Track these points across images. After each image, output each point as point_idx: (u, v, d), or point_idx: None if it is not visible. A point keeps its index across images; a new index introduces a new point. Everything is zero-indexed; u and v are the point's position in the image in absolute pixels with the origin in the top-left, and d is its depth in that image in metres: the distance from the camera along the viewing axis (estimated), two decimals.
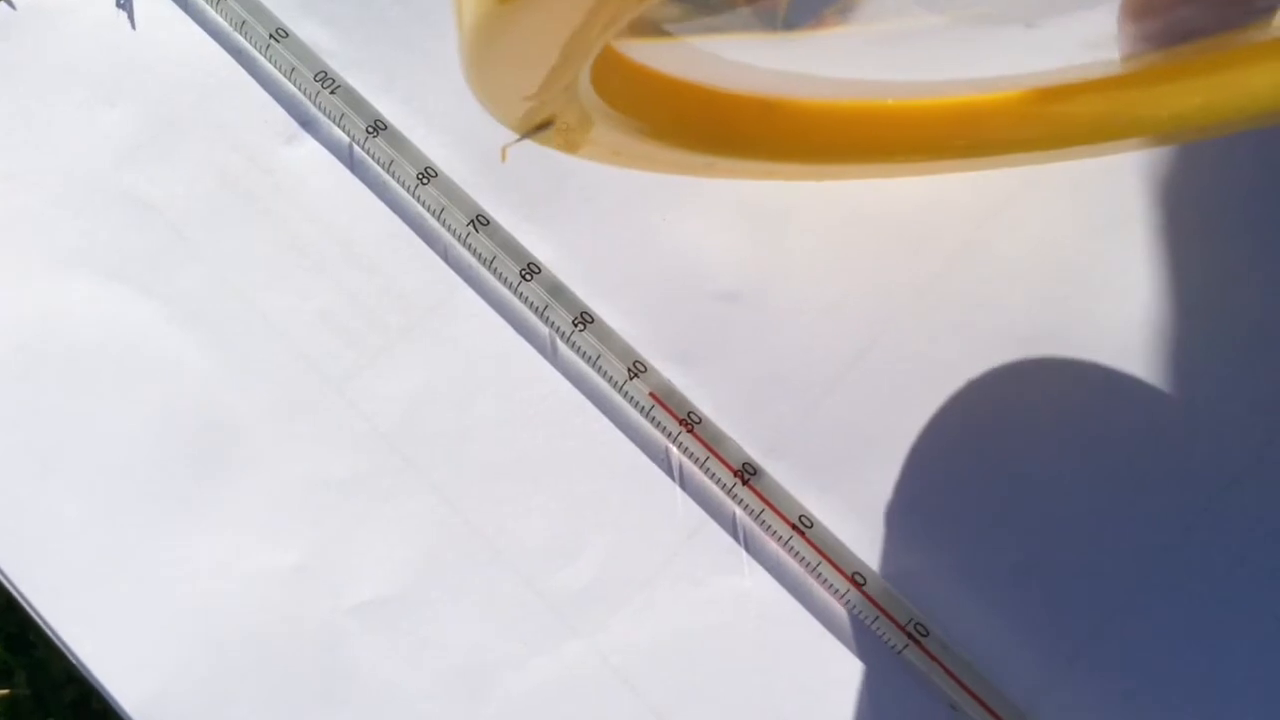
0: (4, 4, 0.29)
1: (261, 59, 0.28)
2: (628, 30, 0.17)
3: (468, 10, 0.15)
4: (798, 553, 0.24)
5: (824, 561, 0.24)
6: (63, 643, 0.24)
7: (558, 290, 0.26)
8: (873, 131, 0.23)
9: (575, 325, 0.26)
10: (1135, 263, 0.26)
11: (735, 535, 0.25)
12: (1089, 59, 0.21)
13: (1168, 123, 0.22)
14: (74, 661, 0.24)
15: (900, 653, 0.23)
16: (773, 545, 0.24)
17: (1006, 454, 0.25)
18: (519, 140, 0.19)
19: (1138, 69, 0.21)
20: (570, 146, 0.21)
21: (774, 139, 0.23)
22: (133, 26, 0.29)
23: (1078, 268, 0.26)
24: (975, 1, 0.21)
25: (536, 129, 0.19)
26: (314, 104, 0.27)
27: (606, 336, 0.26)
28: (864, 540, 0.24)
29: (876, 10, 0.20)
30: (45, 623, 0.24)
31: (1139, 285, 0.26)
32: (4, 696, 0.26)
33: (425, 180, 0.27)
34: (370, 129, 0.27)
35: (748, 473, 0.25)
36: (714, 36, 0.20)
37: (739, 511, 0.25)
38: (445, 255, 0.27)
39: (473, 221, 0.26)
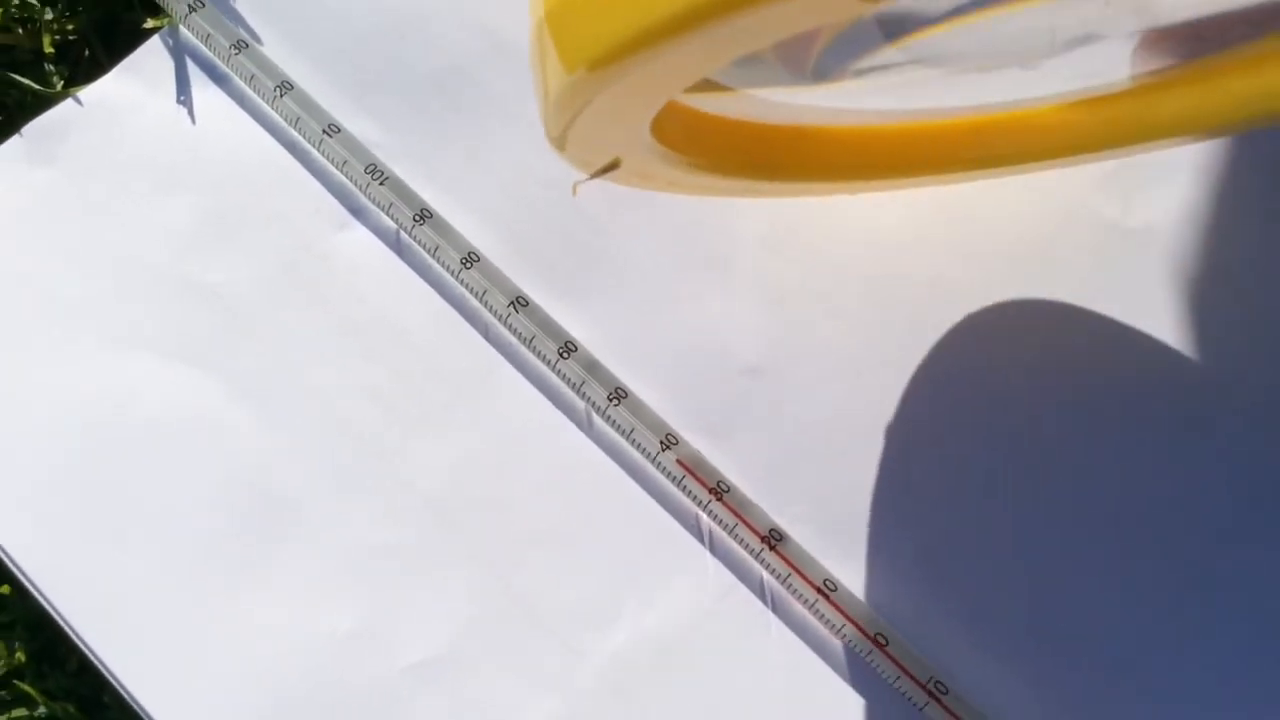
0: (72, 100, 0.31)
1: (315, 152, 0.30)
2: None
3: (553, 76, 0.17)
4: (823, 615, 0.26)
5: (848, 623, 0.25)
6: (137, 703, 0.25)
7: (593, 367, 0.28)
8: (894, 150, 0.25)
9: (610, 400, 0.27)
10: (1155, 327, 0.28)
11: (763, 598, 0.26)
12: (1084, 84, 0.24)
13: (1171, 127, 0.24)
14: None
15: (922, 709, 0.25)
16: (799, 608, 0.26)
17: (1024, 516, 0.26)
18: (588, 179, 0.21)
19: (1139, 84, 0.23)
20: (632, 181, 0.23)
21: (807, 163, 0.25)
22: (193, 121, 0.31)
23: (1094, 333, 0.28)
24: (970, 56, 0.23)
25: (605, 170, 0.21)
26: (364, 194, 0.29)
27: (639, 410, 0.27)
28: (885, 601, 0.26)
29: (884, 66, 0.22)
30: (120, 684, 0.25)
31: (1161, 346, 0.27)
32: None
33: (469, 264, 0.28)
34: (417, 217, 0.29)
35: (774, 539, 0.26)
36: (754, 88, 0.22)
37: (766, 576, 0.26)
38: (486, 334, 0.29)
39: (513, 303, 0.28)
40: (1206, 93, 0.23)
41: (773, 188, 0.26)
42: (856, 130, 0.25)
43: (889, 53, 0.21)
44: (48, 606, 0.26)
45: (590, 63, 0.16)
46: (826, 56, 0.21)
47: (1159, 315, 0.28)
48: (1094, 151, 0.26)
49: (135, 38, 0.32)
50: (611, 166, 0.21)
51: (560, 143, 0.19)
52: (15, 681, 0.27)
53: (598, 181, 0.22)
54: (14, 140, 0.31)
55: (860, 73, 0.22)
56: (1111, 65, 0.23)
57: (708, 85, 0.21)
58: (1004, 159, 0.26)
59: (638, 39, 0.15)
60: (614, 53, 0.15)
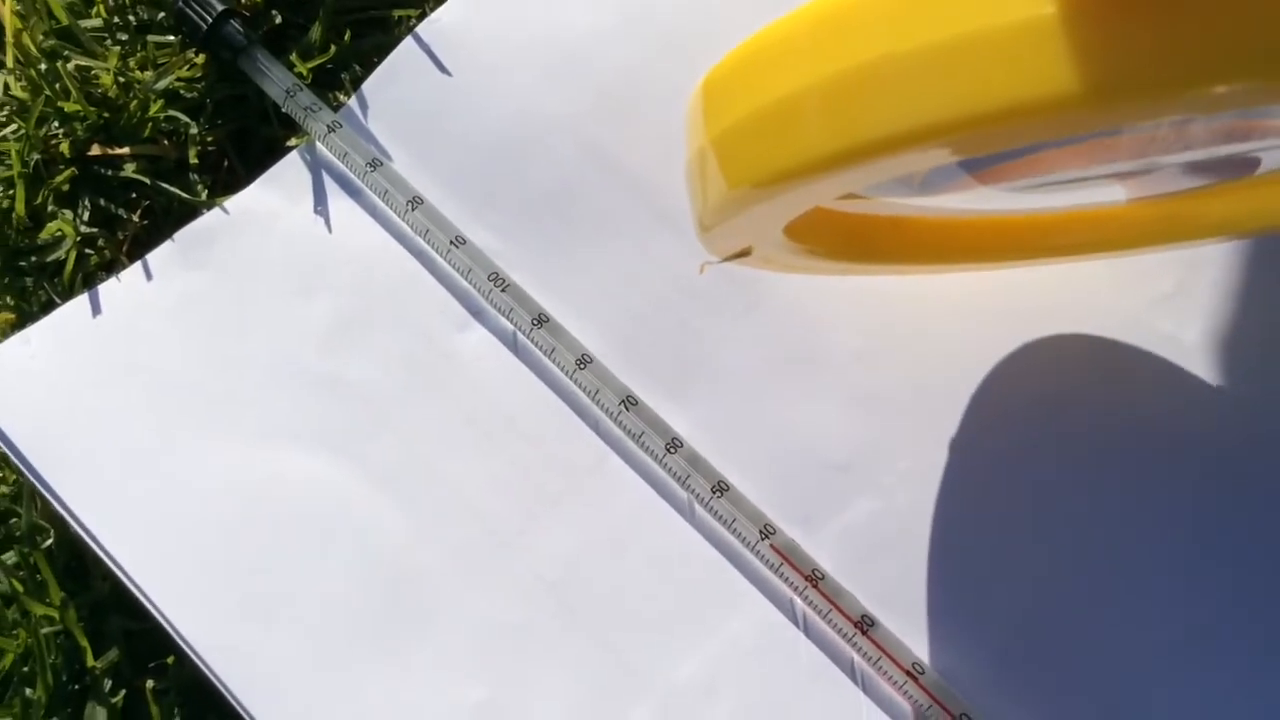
0: (219, 208, 0.34)
1: (440, 260, 0.33)
2: None
3: (714, 188, 0.20)
4: (911, 696, 0.28)
5: (934, 704, 0.28)
6: None
7: (696, 461, 0.30)
8: (979, 238, 0.29)
9: (713, 492, 0.30)
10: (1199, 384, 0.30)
11: (854, 679, 0.29)
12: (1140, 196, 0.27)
13: (1210, 230, 0.28)
14: None
15: None
16: (888, 689, 0.28)
17: (1105, 603, 0.29)
18: (719, 262, 0.25)
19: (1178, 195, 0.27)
20: (755, 264, 0.26)
21: (903, 248, 0.29)
22: (329, 230, 0.34)
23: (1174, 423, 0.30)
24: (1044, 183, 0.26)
25: (737, 255, 0.25)
26: (486, 300, 0.32)
27: (739, 502, 0.30)
28: (971, 683, 0.28)
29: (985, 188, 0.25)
30: None
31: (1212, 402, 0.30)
32: None
33: (582, 365, 0.31)
34: (535, 321, 0.32)
35: (866, 624, 0.29)
36: (872, 197, 0.26)
37: (857, 658, 0.29)
38: (597, 429, 0.31)
39: (623, 402, 0.31)
40: (1248, 199, 0.27)
41: (870, 268, 0.29)
42: (945, 221, 0.29)
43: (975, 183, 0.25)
44: (209, 674, 0.29)
45: (753, 182, 0.19)
46: (931, 176, 0.24)
47: (1213, 417, 0.30)
48: (1156, 244, 0.29)
49: (269, 148, 0.36)
50: (744, 253, 0.25)
51: (708, 234, 0.23)
52: None
53: (708, 277, 0.25)
54: (167, 245, 0.34)
55: (958, 189, 0.25)
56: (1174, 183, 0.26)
57: None
58: (1074, 248, 0.29)
59: (793, 170, 0.19)
60: (778, 178, 0.19)
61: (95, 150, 0.35)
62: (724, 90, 0.20)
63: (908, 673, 0.28)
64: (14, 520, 0.32)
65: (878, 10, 0.17)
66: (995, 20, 0.15)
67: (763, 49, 0.19)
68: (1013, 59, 0.15)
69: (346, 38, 0.36)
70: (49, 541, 0.31)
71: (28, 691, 0.30)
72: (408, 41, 0.35)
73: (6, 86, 0.36)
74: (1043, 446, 0.30)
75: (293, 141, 0.35)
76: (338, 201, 0.34)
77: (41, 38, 0.36)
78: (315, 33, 0.36)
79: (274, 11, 0.37)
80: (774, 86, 0.19)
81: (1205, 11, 0.14)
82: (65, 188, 0.35)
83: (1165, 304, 0.31)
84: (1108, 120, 0.17)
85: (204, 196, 0.35)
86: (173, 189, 0.35)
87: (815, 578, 0.29)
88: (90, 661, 0.30)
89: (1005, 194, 0.26)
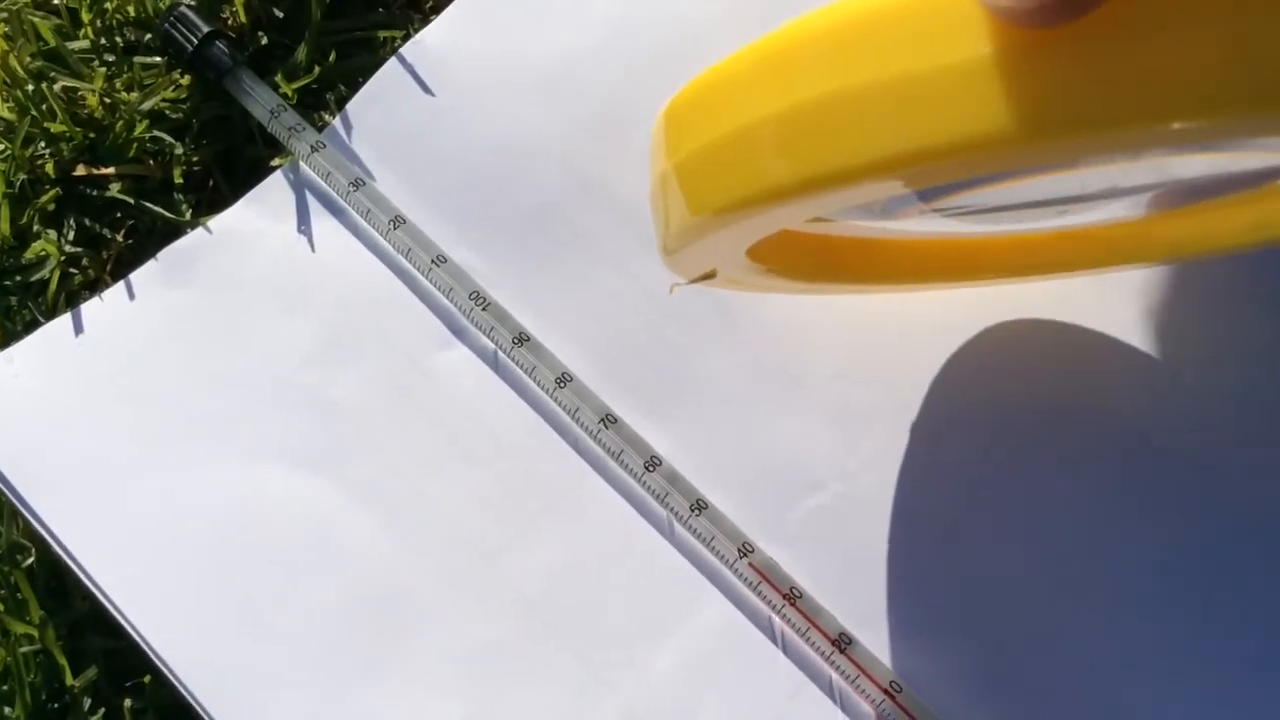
0: (202, 228, 0.35)
1: (422, 279, 0.33)
2: None
3: (676, 213, 0.21)
4: (888, 715, 0.28)
5: None
6: None
7: (675, 480, 0.31)
8: (945, 258, 0.29)
9: (692, 510, 0.30)
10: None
11: (832, 697, 0.29)
12: (1108, 218, 0.28)
13: (1174, 250, 0.29)
14: None
15: None
16: (866, 707, 0.28)
17: (1087, 621, 0.29)
18: (686, 284, 0.25)
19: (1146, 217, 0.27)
20: (722, 285, 0.27)
21: (869, 269, 0.29)
22: (312, 249, 0.34)
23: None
24: (1006, 208, 0.26)
25: (703, 278, 0.25)
26: (467, 318, 0.33)
27: (718, 520, 0.30)
28: (949, 701, 0.28)
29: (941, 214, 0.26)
30: None
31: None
32: None
33: (562, 384, 0.32)
34: (516, 340, 0.32)
35: (844, 642, 0.29)
36: (834, 220, 0.26)
37: (835, 676, 0.29)
38: (576, 447, 0.32)
39: (603, 420, 0.31)
40: (1215, 220, 0.27)
41: (838, 288, 0.30)
42: (912, 242, 0.29)
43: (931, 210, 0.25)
44: (185, 694, 0.29)
45: (714, 210, 0.20)
46: (891, 202, 0.25)
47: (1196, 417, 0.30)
48: (1121, 263, 0.30)
49: (254, 168, 0.36)
50: (709, 275, 0.25)
51: (672, 257, 0.23)
52: None
53: (686, 299, 0.25)
54: (150, 265, 0.34)
55: (920, 214, 0.25)
56: (1133, 208, 0.27)
57: None
58: (1040, 269, 0.30)
59: (752, 199, 0.19)
60: (735, 206, 0.19)
61: (80, 170, 0.36)
62: (685, 118, 0.20)
63: (885, 691, 0.28)
64: None
65: (829, 46, 0.17)
66: (936, 60, 0.16)
67: (721, 79, 0.19)
68: (953, 97, 0.15)
69: (331, 59, 0.36)
70: (29, 560, 0.31)
71: (6, 710, 0.29)
72: (392, 62, 0.35)
73: None
74: (1026, 457, 0.31)
75: (277, 161, 0.35)
76: (321, 221, 0.34)
77: (29, 59, 0.36)
78: (300, 54, 0.36)
79: (260, 33, 0.37)
80: (731, 117, 0.19)
81: (1134, 51, 0.14)
82: (50, 207, 0.35)
83: (1149, 313, 0.31)
84: (1045, 157, 0.17)
85: (188, 216, 0.35)
86: (157, 209, 0.35)
87: (793, 596, 0.29)
88: (69, 680, 0.29)
89: (974, 220, 0.27)
